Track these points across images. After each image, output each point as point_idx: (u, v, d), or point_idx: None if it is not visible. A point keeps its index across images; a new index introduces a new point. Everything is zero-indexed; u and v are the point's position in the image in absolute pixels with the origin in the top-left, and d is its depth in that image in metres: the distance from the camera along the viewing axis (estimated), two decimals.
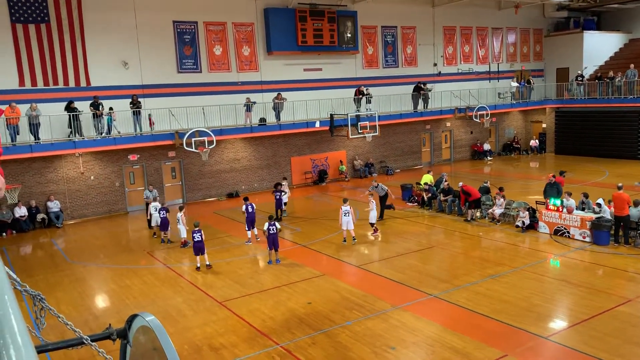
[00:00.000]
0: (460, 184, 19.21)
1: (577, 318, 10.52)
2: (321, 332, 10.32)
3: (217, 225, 19.77)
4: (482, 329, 10.15)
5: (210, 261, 14.92)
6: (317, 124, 26.63)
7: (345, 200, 16.60)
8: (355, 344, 9.74)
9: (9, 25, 20.59)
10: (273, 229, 14.53)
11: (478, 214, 19.13)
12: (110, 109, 21.93)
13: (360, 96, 28.38)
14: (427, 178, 21.87)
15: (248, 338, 10.26)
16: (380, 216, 19.30)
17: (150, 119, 23.06)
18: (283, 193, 20.12)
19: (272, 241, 14.60)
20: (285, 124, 26.12)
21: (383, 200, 19.52)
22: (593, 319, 10.36)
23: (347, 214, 16.20)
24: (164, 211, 17.72)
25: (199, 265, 14.69)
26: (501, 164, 32.49)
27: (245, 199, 17.19)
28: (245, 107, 25.02)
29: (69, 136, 21.15)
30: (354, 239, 16.58)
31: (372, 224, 17.52)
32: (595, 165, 29.23)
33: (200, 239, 14.48)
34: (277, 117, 25.94)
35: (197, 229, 14.59)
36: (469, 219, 18.57)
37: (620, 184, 15.86)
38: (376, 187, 19.36)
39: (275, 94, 25.95)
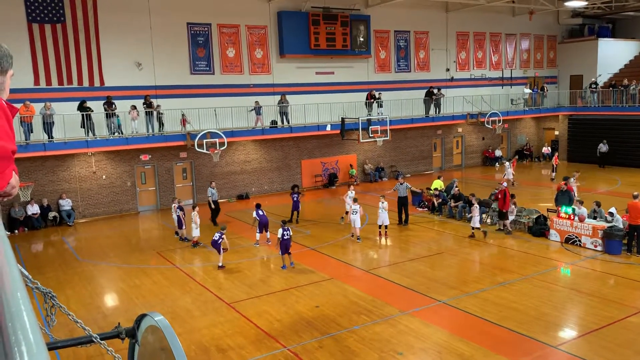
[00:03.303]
0: (505, 184, 18.48)
1: (587, 328, 10.41)
2: (329, 336, 10.30)
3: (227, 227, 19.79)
4: (491, 337, 10.08)
5: (220, 263, 14.98)
6: (328, 128, 26.62)
7: (355, 200, 17.47)
8: (363, 348, 9.71)
9: (26, 25, 20.84)
10: (287, 234, 14.51)
11: (489, 220, 19.03)
12: (133, 107, 22.09)
13: (372, 100, 28.37)
14: (438, 183, 21.77)
15: (255, 340, 10.27)
16: (406, 221, 19.34)
17: (184, 118, 23.29)
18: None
19: (285, 246, 14.57)
20: (296, 126, 26.16)
21: (404, 201, 19.28)
22: (604, 329, 10.25)
23: (355, 212, 17.03)
24: (180, 210, 17.97)
25: (220, 263, 14.89)
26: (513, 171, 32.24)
27: (257, 206, 17.25)
28: (254, 111, 25.07)
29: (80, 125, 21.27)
30: (359, 239, 17.25)
31: (385, 226, 17.54)
32: (608, 174, 28.96)
33: (216, 238, 14.66)
34: (283, 120, 25.96)
35: (222, 231, 14.86)
36: (510, 230, 17.63)
37: (636, 193, 15.69)
38: (402, 184, 19.35)
39: (287, 97, 26.04)
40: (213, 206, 20.05)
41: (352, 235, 17.45)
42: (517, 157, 33.23)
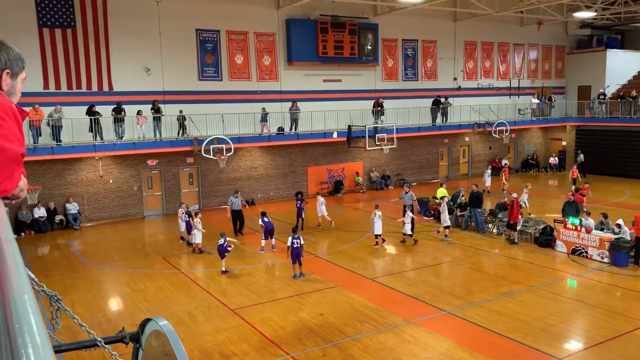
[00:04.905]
0: (515, 195, 18.12)
1: (593, 340, 10.33)
2: (332, 344, 10.26)
3: (232, 233, 19.78)
4: (496, 347, 10.01)
5: (224, 268, 14.99)
6: (335, 135, 26.66)
7: (317, 194, 20.61)
8: (366, 357, 9.67)
9: (36, 30, 21.02)
10: (297, 243, 14.37)
11: (495, 230, 18.94)
12: (139, 112, 22.19)
13: (379, 108, 28.41)
14: (442, 192, 21.64)
15: (259, 347, 10.24)
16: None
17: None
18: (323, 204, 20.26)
19: (296, 255, 14.42)
20: (302, 133, 26.21)
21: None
22: (610, 341, 10.17)
23: (322, 204, 19.76)
24: (187, 215, 18.00)
25: (223, 268, 14.94)
26: (519, 181, 32.12)
27: (263, 214, 17.26)
28: (261, 118, 25.15)
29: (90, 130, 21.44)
30: (332, 223, 19.76)
31: (377, 235, 17.40)
32: (616, 185, 28.80)
33: (222, 242, 14.79)
34: (292, 127, 26.04)
35: (223, 238, 15.02)
36: (515, 240, 17.53)
37: None
38: (407, 193, 19.25)
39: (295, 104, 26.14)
40: (228, 215, 19.59)
41: (319, 225, 20.03)
42: (507, 164, 32.21)
